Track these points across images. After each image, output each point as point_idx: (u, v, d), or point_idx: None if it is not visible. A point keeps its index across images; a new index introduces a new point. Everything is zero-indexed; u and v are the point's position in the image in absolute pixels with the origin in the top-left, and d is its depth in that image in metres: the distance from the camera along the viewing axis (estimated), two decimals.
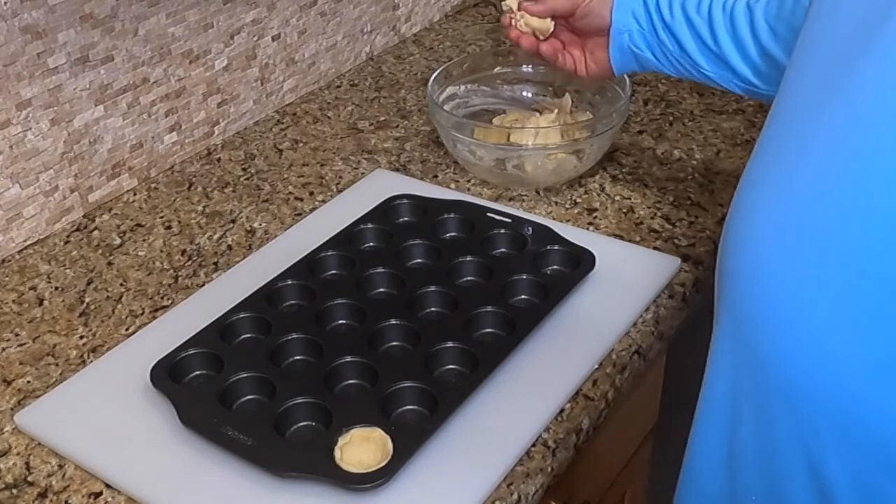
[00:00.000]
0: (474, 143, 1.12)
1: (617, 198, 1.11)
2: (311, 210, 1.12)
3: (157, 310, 0.97)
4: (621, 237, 1.04)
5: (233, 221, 1.12)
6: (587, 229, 1.05)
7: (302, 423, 0.80)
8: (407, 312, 0.91)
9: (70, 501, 0.77)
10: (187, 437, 0.79)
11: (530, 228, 1.01)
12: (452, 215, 1.05)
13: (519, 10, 1.03)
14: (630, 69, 1.01)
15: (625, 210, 1.09)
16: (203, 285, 1.00)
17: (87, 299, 1.00)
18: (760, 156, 0.64)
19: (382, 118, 1.33)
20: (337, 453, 0.75)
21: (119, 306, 0.98)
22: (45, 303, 0.99)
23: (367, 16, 1.49)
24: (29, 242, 1.09)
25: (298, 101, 1.39)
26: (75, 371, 0.89)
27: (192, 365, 0.86)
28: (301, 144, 1.27)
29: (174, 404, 0.81)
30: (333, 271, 0.98)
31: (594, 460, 0.95)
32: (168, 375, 0.83)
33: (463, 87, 1.23)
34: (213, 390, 0.82)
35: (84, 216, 1.13)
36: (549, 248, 0.98)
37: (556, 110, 1.18)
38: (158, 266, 1.04)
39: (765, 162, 0.63)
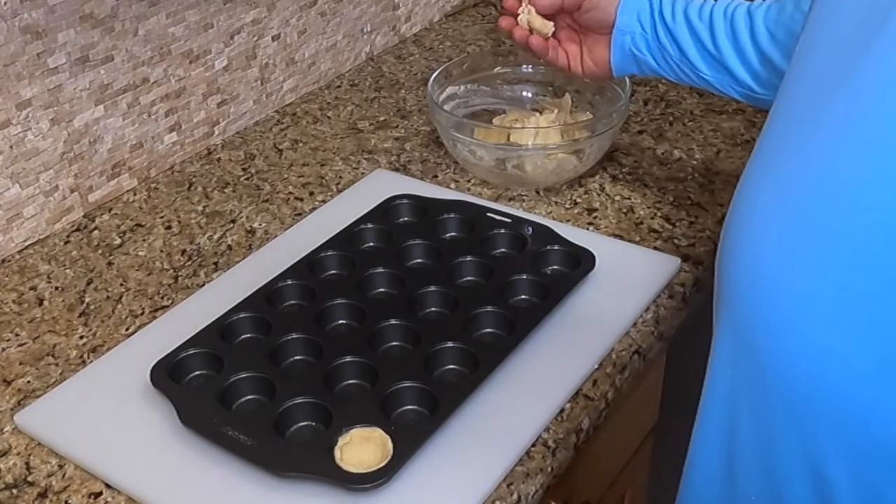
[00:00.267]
0: (474, 143, 1.12)
1: (617, 198, 1.11)
2: (311, 210, 1.12)
3: (157, 310, 0.97)
4: (621, 237, 1.04)
5: (233, 221, 1.12)
6: (587, 229, 1.05)
7: (302, 423, 0.80)
8: (407, 312, 0.91)
9: (70, 501, 0.77)
10: (187, 437, 0.79)
11: (530, 228, 1.01)
12: (452, 215, 1.05)
13: (529, 2, 1.01)
14: (629, 72, 1.01)
15: (625, 210, 1.09)
16: (203, 285, 1.00)
17: (87, 299, 1.00)
18: (760, 155, 0.64)
19: (382, 118, 1.33)
20: (337, 453, 0.75)
21: (119, 306, 0.98)
22: (45, 303, 0.99)
23: (367, 16, 1.49)
24: (29, 242, 1.09)
25: (298, 101, 1.39)
26: (75, 371, 0.89)
27: (192, 365, 0.86)
28: (301, 144, 1.27)
29: (174, 404, 0.81)
30: (333, 271, 0.98)
31: (594, 460, 0.95)
32: (168, 375, 0.83)
33: (463, 87, 1.23)
34: (213, 390, 0.82)
35: (84, 216, 1.14)
36: (549, 248, 0.98)
37: (556, 110, 1.18)
38: (158, 266, 1.04)
39: (764, 162, 0.63)
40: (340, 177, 1.19)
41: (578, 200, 1.11)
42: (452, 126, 1.13)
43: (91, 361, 0.91)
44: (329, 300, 0.92)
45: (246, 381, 0.83)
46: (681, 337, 1.00)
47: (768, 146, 0.63)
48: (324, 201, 1.14)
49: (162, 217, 1.13)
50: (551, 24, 1.02)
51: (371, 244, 1.03)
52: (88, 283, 1.02)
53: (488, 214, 1.04)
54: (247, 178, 1.20)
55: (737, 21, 0.91)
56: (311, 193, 1.16)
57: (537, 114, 1.20)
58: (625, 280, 0.96)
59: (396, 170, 1.20)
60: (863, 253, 0.54)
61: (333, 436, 0.76)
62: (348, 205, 1.09)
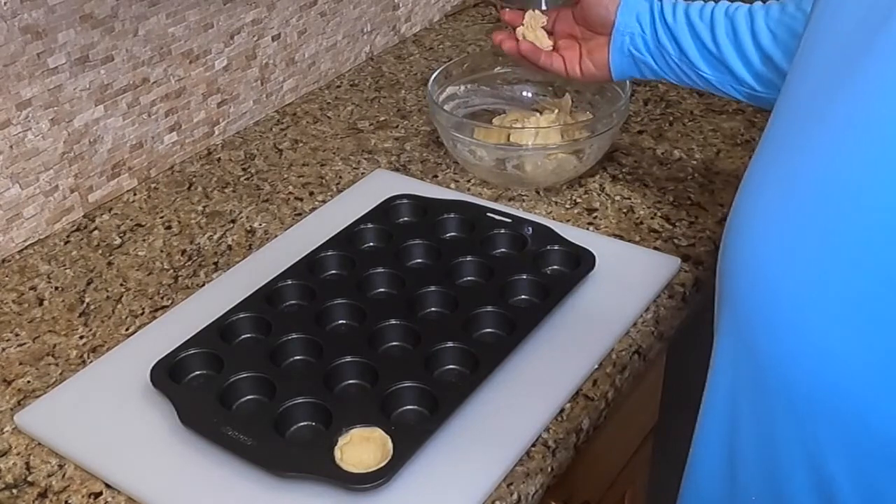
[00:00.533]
0: (474, 143, 1.12)
1: (617, 198, 1.11)
2: (311, 210, 1.12)
3: (157, 310, 0.97)
4: (621, 237, 1.04)
5: (233, 221, 1.12)
6: (587, 229, 1.05)
7: (302, 423, 0.80)
8: (407, 312, 0.91)
9: (70, 501, 0.77)
10: (187, 437, 0.79)
11: (530, 228, 1.01)
12: (452, 215, 1.05)
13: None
14: (629, 74, 1.01)
15: (625, 210, 1.09)
16: (203, 285, 1.00)
17: (87, 299, 1.00)
18: (762, 155, 0.64)
19: (382, 118, 1.33)
20: (337, 453, 0.75)
21: (119, 306, 0.98)
22: (45, 303, 0.99)
23: (367, 16, 1.49)
24: (29, 242, 1.09)
25: (298, 101, 1.39)
26: (75, 371, 0.89)
27: (192, 365, 0.86)
28: (301, 144, 1.27)
29: (174, 404, 0.81)
30: (333, 271, 0.98)
31: (594, 460, 0.95)
32: (168, 375, 0.83)
33: (463, 87, 1.23)
34: (213, 390, 0.82)
35: (84, 216, 1.14)
36: (549, 248, 0.98)
37: (556, 110, 1.18)
38: (158, 266, 1.04)
39: (766, 162, 0.63)
40: (340, 177, 1.19)
41: (578, 200, 1.11)
42: (452, 126, 1.13)
43: (91, 361, 0.91)
44: (329, 300, 0.92)
45: (246, 381, 0.83)
46: (681, 337, 1.00)
47: (770, 146, 0.63)
48: (324, 201, 1.14)
49: (162, 217, 1.13)
50: (550, 42, 1.04)
51: (371, 244, 1.03)
52: (88, 283, 1.02)
53: (488, 214, 1.04)
54: (247, 178, 1.20)
55: (738, 20, 0.91)
56: (311, 193, 1.16)
57: (537, 114, 1.20)
58: (625, 280, 0.96)
59: (396, 170, 1.20)
60: (863, 253, 0.54)
61: (333, 436, 0.76)
62: (348, 205, 1.09)
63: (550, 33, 1.05)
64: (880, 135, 0.54)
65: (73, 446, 0.81)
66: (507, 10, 1.06)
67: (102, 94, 1.11)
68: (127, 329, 0.95)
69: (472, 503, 0.74)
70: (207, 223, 1.12)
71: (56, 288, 1.02)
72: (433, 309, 0.92)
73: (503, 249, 1.00)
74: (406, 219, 1.07)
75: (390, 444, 0.75)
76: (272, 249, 1.04)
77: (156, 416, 0.82)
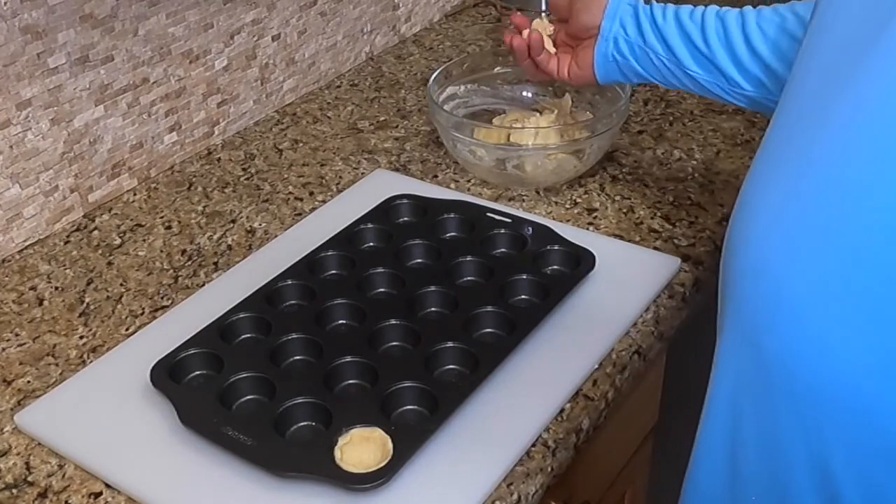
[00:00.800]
0: (474, 143, 1.12)
1: (617, 198, 1.11)
2: (311, 210, 1.12)
3: (157, 310, 0.97)
4: (621, 237, 1.04)
5: (233, 221, 1.12)
6: (587, 229, 1.05)
7: (302, 423, 0.80)
8: (407, 312, 0.91)
9: (70, 501, 0.77)
10: (187, 437, 0.79)
11: (530, 228, 1.01)
12: (452, 215, 1.05)
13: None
14: (613, 78, 1.01)
15: (625, 210, 1.09)
16: (203, 285, 1.00)
17: (87, 299, 1.00)
18: (765, 154, 0.64)
19: (382, 118, 1.33)
20: (337, 453, 0.75)
21: (119, 306, 0.98)
22: (45, 303, 0.99)
23: (367, 16, 1.49)
24: (29, 242, 1.09)
25: (298, 101, 1.39)
26: (75, 371, 0.89)
27: (192, 365, 0.86)
28: (301, 144, 1.27)
29: (174, 404, 0.81)
30: (333, 271, 0.98)
31: (594, 460, 0.95)
32: (168, 375, 0.83)
33: (463, 87, 1.24)
34: (213, 390, 0.82)
35: (84, 216, 1.14)
36: (549, 248, 0.98)
37: (556, 110, 1.18)
38: (158, 266, 1.04)
39: (770, 160, 0.63)
40: (340, 177, 1.19)
41: (578, 200, 1.11)
42: (452, 126, 1.13)
43: (91, 361, 0.91)
44: (329, 300, 0.92)
45: (246, 381, 0.83)
46: (681, 337, 1.00)
47: (774, 145, 0.64)
48: (324, 201, 1.14)
49: (162, 217, 1.13)
50: (554, 50, 1.06)
51: (371, 244, 1.03)
52: (88, 283, 1.02)
53: (488, 214, 1.04)
54: (247, 178, 1.20)
55: (729, 21, 0.91)
56: (311, 193, 1.16)
57: (537, 114, 1.20)
58: (625, 280, 0.96)
59: (396, 170, 1.20)
60: (867, 251, 0.54)
61: (333, 436, 0.76)
62: (348, 205, 1.09)
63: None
64: (884, 134, 0.54)
65: (73, 446, 0.81)
66: (518, 13, 1.08)
67: (102, 94, 1.11)
68: (127, 329, 0.95)
69: (472, 503, 0.74)
70: (207, 223, 1.12)
71: (56, 288, 1.02)
72: (433, 309, 0.92)
73: (503, 249, 1.00)
74: (406, 219, 1.07)
75: (390, 444, 0.75)
76: (272, 249, 1.04)
77: (156, 416, 0.82)
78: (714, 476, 0.68)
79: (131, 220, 1.13)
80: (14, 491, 0.78)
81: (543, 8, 1.09)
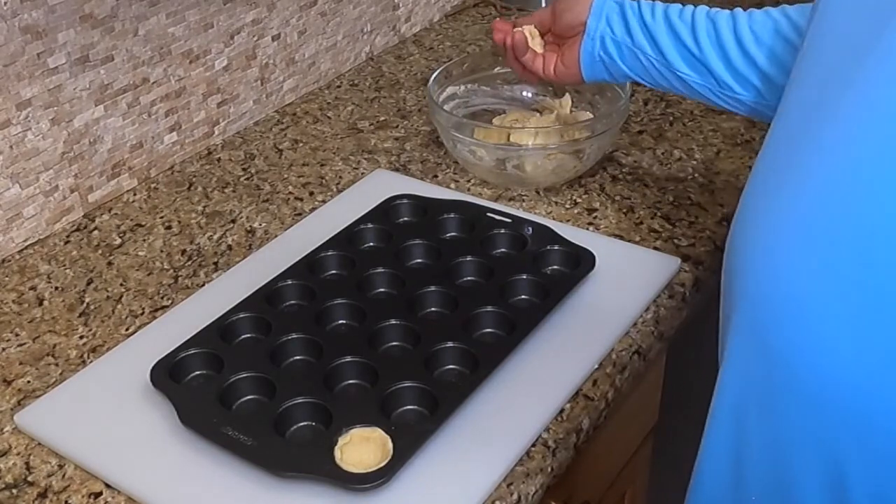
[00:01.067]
0: (474, 143, 1.12)
1: (617, 198, 1.11)
2: (311, 210, 1.12)
3: (157, 310, 0.97)
4: (621, 237, 1.04)
5: (233, 221, 1.12)
6: (587, 229, 1.05)
7: (302, 423, 0.80)
8: (407, 312, 0.91)
9: (70, 501, 0.77)
10: (187, 437, 0.79)
11: (530, 228, 1.01)
12: (452, 215, 1.05)
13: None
14: (599, 78, 1.00)
15: (625, 210, 1.09)
16: (203, 285, 1.00)
17: (87, 299, 1.00)
18: (769, 153, 0.64)
19: (382, 118, 1.33)
20: (337, 453, 0.75)
21: (119, 306, 0.98)
22: (45, 303, 0.99)
23: (367, 16, 1.49)
24: (29, 242, 1.09)
25: (298, 101, 1.39)
26: (75, 371, 0.89)
27: (192, 365, 0.86)
28: (301, 144, 1.28)
29: (174, 404, 0.81)
30: (333, 271, 0.98)
31: (594, 460, 0.95)
32: (168, 375, 0.83)
33: (463, 87, 1.24)
34: (213, 390, 0.82)
35: (84, 216, 1.14)
36: (549, 248, 0.98)
37: (556, 110, 1.18)
38: (158, 266, 1.04)
39: (774, 158, 0.63)
40: (340, 177, 1.19)
41: (578, 200, 1.11)
42: (452, 126, 1.13)
43: (91, 361, 0.91)
44: (329, 300, 0.92)
45: (246, 381, 0.83)
46: (681, 337, 1.00)
47: (778, 143, 0.63)
48: (324, 201, 1.14)
49: (162, 217, 1.13)
50: (541, 49, 1.05)
51: (371, 244, 1.03)
52: (88, 283, 1.02)
53: (488, 214, 1.04)
54: (247, 178, 1.20)
55: (720, 22, 0.90)
56: (311, 193, 1.16)
57: (537, 114, 1.20)
58: (625, 280, 0.96)
59: (396, 170, 1.20)
60: (874, 251, 0.53)
61: (333, 436, 0.76)
62: (348, 205, 1.09)
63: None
64: (890, 135, 0.53)
65: (73, 446, 0.81)
66: (505, 17, 1.08)
67: (102, 94, 1.11)
68: (127, 329, 0.95)
69: (472, 503, 0.74)
70: (207, 223, 1.12)
71: (56, 288, 1.02)
72: (433, 309, 0.92)
73: (503, 249, 1.00)
74: (406, 219, 1.07)
75: (390, 444, 0.75)
76: (272, 249, 1.04)
77: (156, 416, 0.82)
78: (719, 478, 0.68)
79: (131, 220, 1.13)
80: (14, 491, 0.78)
81: (543, 5, 1.08)
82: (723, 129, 1.25)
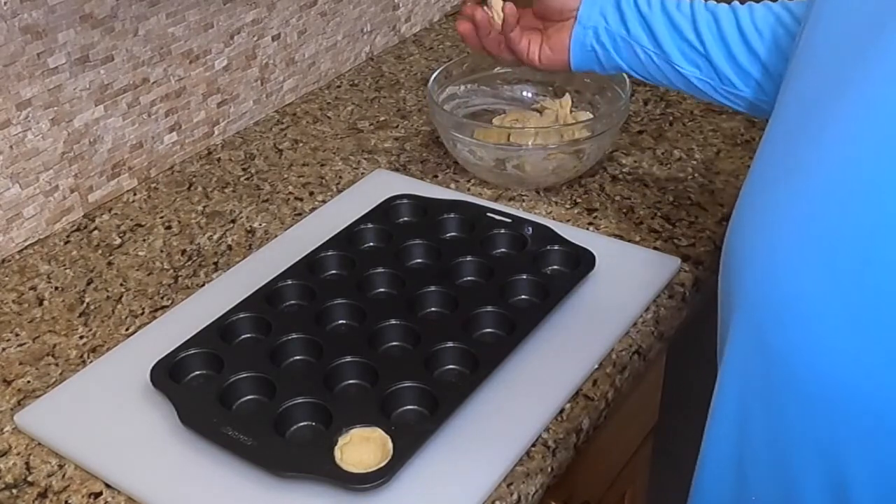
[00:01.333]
0: (474, 143, 1.12)
1: (617, 198, 1.11)
2: (311, 210, 1.12)
3: (157, 310, 0.97)
4: (621, 237, 1.04)
5: (233, 221, 1.12)
6: (587, 229, 1.05)
7: (302, 423, 0.80)
8: (407, 312, 0.91)
9: (70, 501, 0.77)
10: (187, 437, 0.79)
11: (530, 228, 1.01)
12: (452, 215, 1.05)
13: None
14: (588, 68, 0.96)
15: (625, 210, 1.09)
16: (203, 285, 1.00)
17: (87, 299, 1.00)
18: (767, 151, 0.64)
19: (382, 118, 1.33)
20: (337, 453, 0.75)
21: (119, 306, 0.98)
22: (45, 303, 0.99)
23: (367, 16, 1.49)
24: (29, 242, 1.09)
25: (298, 101, 1.39)
26: (75, 371, 0.89)
27: (192, 365, 0.86)
28: (301, 144, 1.28)
29: (174, 404, 0.81)
30: (333, 271, 0.98)
31: (594, 460, 0.95)
32: (168, 375, 0.83)
33: (463, 87, 1.24)
34: (213, 390, 0.82)
35: (84, 216, 1.14)
36: (549, 248, 0.98)
37: (556, 110, 1.18)
38: (158, 266, 1.04)
39: (773, 155, 0.63)
40: (340, 177, 1.19)
41: (578, 200, 1.11)
42: (452, 126, 1.13)
43: (91, 361, 0.91)
44: (329, 300, 0.92)
45: (246, 381, 0.83)
46: (681, 337, 1.00)
47: (777, 140, 0.63)
48: (324, 201, 1.14)
49: (162, 217, 1.13)
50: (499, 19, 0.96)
51: (371, 244, 1.03)
52: (88, 283, 1.02)
53: (488, 214, 1.04)
54: (247, 178, 1.20)
55: (720, 16, 0.87)
56: (311, 193, 1.16)
57: (537, 114, 1.20)
58: (625, 280, 0.96)
59: (396, 170, 1.20)
60: (875, 249, 0.53)
61: (333, 436, 0.76)
62: (348, 205, 1.09)
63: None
64: (891, 133, 0.53)
65: (73, 446, 0.81)
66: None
67: (102, 94, 1.11)
68: (127, 329, 0.95)
69: (472, 503, 0.74)
70: (207, 223, 1.12)
71: (56, 288, 1.02)
72: (433, 309, 0.92)
73: (503, 249, 1.00)
74: (406, 219, 1.07)
75: (390, 444, 0.75)
76: (272, 249, 1.04)
77: (156, 416, 0.82)
78: (721, 479, 0.68)
79: (131, 220, 1.13)
80: (14, 491, 0.78)
81: None
82: (723, 129, 1.25)
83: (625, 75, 1.07)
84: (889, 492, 0.56)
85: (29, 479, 0.79)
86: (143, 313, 0.97)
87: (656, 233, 1.05)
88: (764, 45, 0.86)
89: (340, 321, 0.91)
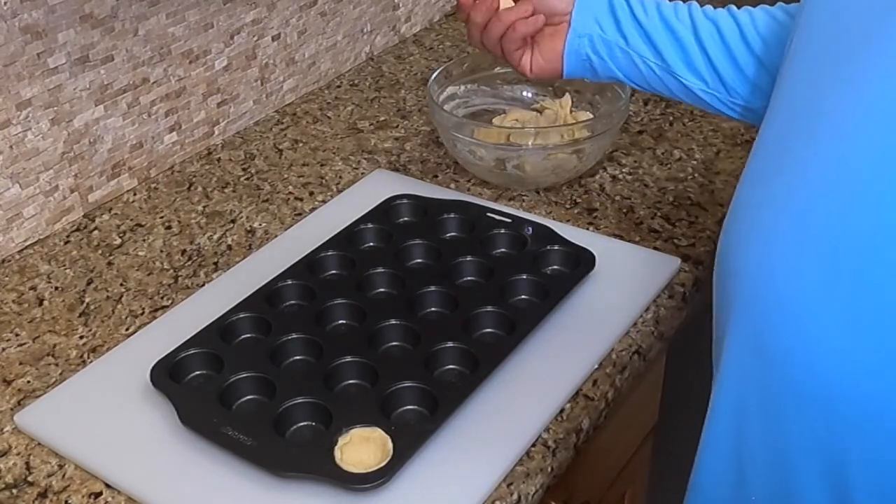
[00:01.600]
0: (474, 143, 1.12)
1: (617, 198, 1.11)
2: (311, 210, 1.12)
3: (157, 310, 0.97)
4: (621, 237, 1.04)
5: (233, 221, 1.12)
6: (587, 229, 1.05)
7: (302, 423, 0.80)
8: (407, 312, 0.91)
9: (70, 501, 0.77)
10: (187, 437, 0.79)
11: (530, 228, 1.01)
12: (452, 215, 1.05)
13: None
14: (581, 76, 0.91)
15: (625, 210, 1.09)
16: (203, 285, 1.00)
17: (87, 299, 1.00)
18: (762, 150, 0.63)
19: (382, 118, 1.33)
20: (337, 453, 0.75)
21: (119, 306, 0.98)
22: (45, 303, 0.99)
23: (367, 16, 1.49)
24: (29, 242, 1.09)
25: (298, 101, 1.39)
26: (75, 371, 0.89)
27: (192, 365, 0.86)
28: (301, 144, 1.27)
29: (174, 404, 0.81)
30: (333, 271, 0.98)
31: (594, 460, 0.95)
32: (168, 375, 0.83)
33: (463, 87, 1.24)
34: (213, 390, 0.82)
35: (84, 216, 1.14)
36: (549, 248, 0.98)
37: (556, 110, 1.18)
38: (158, 266, 1.04)
39: (768, 155, 0.62)
40: (340, 177, 1.19)
41: (578, 200, 1.11)
42: (452, 126, 1.13)
43: (91, 361, 0.91)
44: (329, 300, 0.92)
45: (246, 381, 0.83)
46: (681, 337, 1.00)
47: (771, 141, 0.63)
48: (324, 201, 1.14)
49: (162, 217, 1.13)
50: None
51: (371, 244, 1.03)
52: (88, 283, 1.02)
53: (488, 214, 1.04)
54: (247, 178, 1.20)
55: (722, 24, 0.83)
56: (311, 193, 1.16)
57: (537, 114, 1.20)
58: (625, 280, 0.96)
59: (396, 170, 1.20)
60: (872, 249, 0.53)
61: (333, 436, 0.76)
62: (348, 205, 1.09)
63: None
64: (889, 126, 0.53)
65: (73, 446, 0.81)
66: None
67: (102, 94, 1.11)
68: (127, 329, 0.95)
69: (472, 503, 0.74)
70: (207, 223, 1.12)
71: (56, 288, 1.02)
72: (433, 309, 0.92)
73: (503, 249, 1.00)
74: (406, 219, 1.07)
75: (390, 444, 0.75)
76: (272, 249, 1.04)
77: (156, 416, 0.82)
78: (719, 480, 0.67)
79: (131, 220, 1.13)
80: (14, 491, 0.78)
81: None
82: (723, 129, 1.25)
83: None
84: (889, 491, 0.56)
85: (29, 479, 0.79)
86: (143, 313, 0.97)
87: (656, 233, 1.05)
88: (770, 53, 0.82)
89: (340, 321, 0.91)
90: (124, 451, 0.80)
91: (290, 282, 0.95)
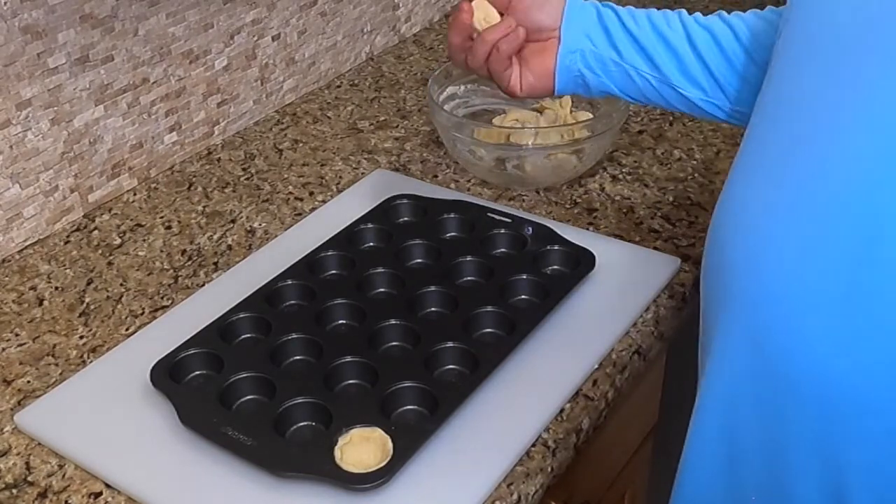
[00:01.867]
0: (474, 143, 1.12)
1: (617, 198, 1.11)
2: (311, 210, 1.12)
3: (157, 310, 0.97)
4: (621, 237, 1.04)
5: (233, 221, 1.12)
6: (587, 229, 1.05)
7: (302, 423, 0.80)
8: (407, 312, 0.91)
9: (70, 501, 0.77)
10: (187, 437, 0.79)
11: (530, 228, 1.01)
12: (452, 215, 1.05)
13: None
14: (573, 92, 0.88)
15: (625, 210, 1.09)
16: (203, 285, 1.00)
17: (87, 299, 1.00)
18: (750, 146, 0.63)
19: (382, 118, 1.33)
20: (337, 453, 0.75)
21: (119, 306, 0.98)
22: (45, 303, 0.99)
23: (367, 16, 1.49)
24: (29, 242, 1.09)
25: (298, 101, 1.39)
26: (75, 371, 0.89)
27: (192, 365, 0.86)
28: (301, 144, 1.28)
29: (174, 404, 0.81)
30: (333, 271, 0.98)
31: (594, 460, 0.95)
32: (168, 375, 0.83)
33: (463, 87, 1.23)
34: (213, 390, 0.82)
35: (84, 216, 1.14)
36: (549, 248, 0.98)
37: (556, 110, 1.18)
38: (158, 266, 1.04)
39: (756, 151, 0.62)
40: (340, 177, 1.19)
41: (578, 200, 1.11)
42: (452, 126, 1.13)
43: (91, 361, 0.91)
44: (329, 300, 0.92)
45: (246, 381, 0.83)
46: (681, 337, 1.00)
47: (761, 137, 0.62)
48: (324, 201, 1.14)
49: (162, 217, 1.13)
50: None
51: (371, 244, 1.03)
52: (88, 283, 1.02)
53: (488, 214, 1.04)
54: (247, 178, 1.20)
55: (717, 32, 0.80)
56: (311, 193, 1.16)
57: (537, 114, 1.20)
58: (625, 280, 0.96)
59: (396, 170, 1.20)
60: (869, 247, 0.53)
61: (333, 436, 0.76)
62: (348, 205, 1.09)
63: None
64: (880, 122, 0.53)
65: (73, 446, 0.81)
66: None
67: (102, 94, 1.11)
68: (127, 329, 0.95)
69: (472, 503, 0.74)
70: (207, 223, 1.12)
71: (56, 288, 1.02)
72: (433, 309, 0.92)
73: (503, 249, 1.00)
74: (406, 219, 1.07)
75: (390, 444, 0.75)
76: (272, 249, 1.04)
77: (156, 416, 0.82)
78: (710, 480, 0.67)
79: (131, 220, 1.13)
80: (14, 491, 0.78)
81: None
82: (723, 129, 1.25)
83: None
84: (888, 490, 0.56)
85: (29, 479, 0.79)
86: (143, 313, 0.97)
87: (656, 233, 1.05)
88: (768, 57, 0.78)
89: (340, 321, 0.91)
90: (124, 451, 0.80)
91: (290, 282, 0.95)
